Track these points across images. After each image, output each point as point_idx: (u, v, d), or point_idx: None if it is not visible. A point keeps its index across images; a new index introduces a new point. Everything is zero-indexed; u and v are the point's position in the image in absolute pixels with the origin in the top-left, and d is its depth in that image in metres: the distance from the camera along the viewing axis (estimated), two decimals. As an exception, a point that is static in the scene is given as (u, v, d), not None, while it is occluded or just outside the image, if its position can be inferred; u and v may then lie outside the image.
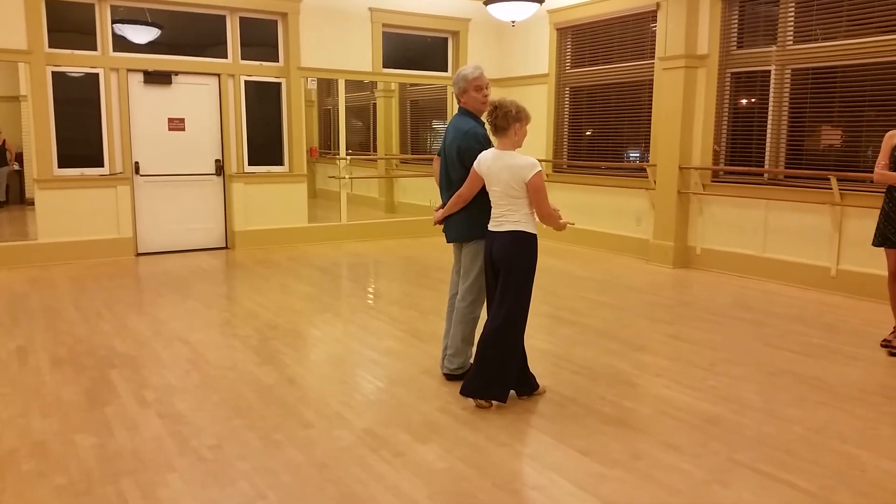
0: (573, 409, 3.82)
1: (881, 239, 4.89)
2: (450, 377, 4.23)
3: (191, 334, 5.20)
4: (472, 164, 3.88)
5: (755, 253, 7.28)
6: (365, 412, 3.80)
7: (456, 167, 4.05)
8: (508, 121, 3.70)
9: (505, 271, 3.73)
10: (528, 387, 3.96)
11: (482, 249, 3.96)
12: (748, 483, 3.01)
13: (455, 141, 4.03)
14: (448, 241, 4.28)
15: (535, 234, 3.77)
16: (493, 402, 3.83)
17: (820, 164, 6.84)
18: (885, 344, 4.95)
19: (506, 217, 3.74)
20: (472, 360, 4.16)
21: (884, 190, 4.97)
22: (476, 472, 3.12)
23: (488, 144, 3.94)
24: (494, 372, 3.75)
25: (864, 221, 6.37)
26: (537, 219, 3.81)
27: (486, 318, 3.88)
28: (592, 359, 4.68)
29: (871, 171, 6.37)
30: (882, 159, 4.82)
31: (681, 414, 3.76)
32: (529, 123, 3.83)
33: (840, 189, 6.47)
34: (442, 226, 4.25)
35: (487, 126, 3.92)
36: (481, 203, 3.94)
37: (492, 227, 3.81)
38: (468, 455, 3.27)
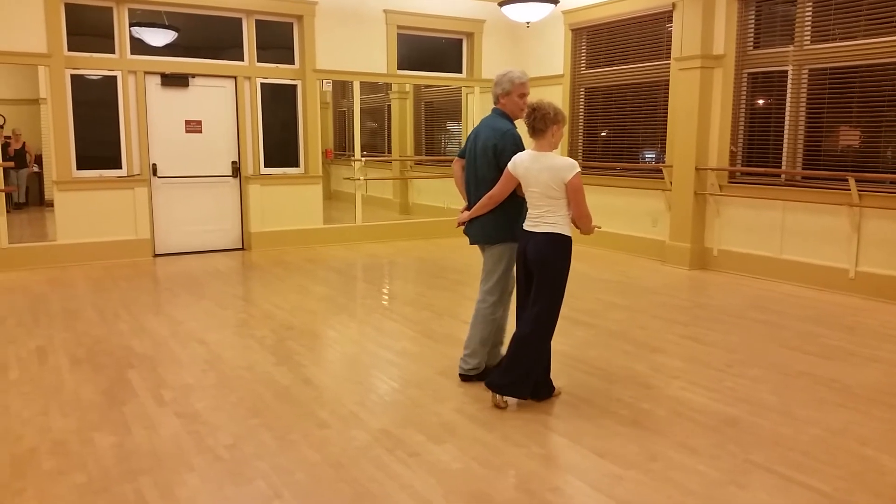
0: (588, 411, 3.81)
1: None
2: (465, 378, 4.23)
3: (207, 335, 5.24)
4: (506, 165, 3.89)
5: (772, 254, 7.23)
6: (380, 413, 3.81)
7: (490, 166, 4.03)
8: (546, 123, 3.73)
9: (540, 272, 3.75)
10: (546, 389, 3.95)
11: (507, 252, 4.01)
12: (764, 484, 3.00)
13: (491, 139, 4.02)
14: (472, 243, 4.26)
15: (570, 237, 3.78)
16: (508, 402, 3.84)
17: (838, 165, 6.78)
18: None
19: (543, 218, 3.75)
20: (486, 362, 4.20)
21: None
22: (491, 472, 3.12)
23: (522, 147, 3.95)
24: (523, 371, 3.78)
25: (884, 223, 6.31)
26: (571, 221, 3.83)
27: (509, 318, 3.86)
28: (608, 360, 4.67)
29: (891, 172, 6.34)
30: None
31: (697, 415, 3.74)
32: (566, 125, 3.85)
33: (858, 190, 6.41)
34: (462, 227, 4.24)
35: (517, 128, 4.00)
36: (507, 205, 3.96)
37: (528, 227, 3.82)
38: (483, 455, 3.27)
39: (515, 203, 3.96)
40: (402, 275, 7.90)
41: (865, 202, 6.41)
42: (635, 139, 8.81)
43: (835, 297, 6.48)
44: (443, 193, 11.05)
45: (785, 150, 7.16)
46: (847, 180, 6.46)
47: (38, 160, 12.36)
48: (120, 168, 8.22)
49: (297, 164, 9.25)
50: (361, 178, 9.72)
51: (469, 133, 4.28)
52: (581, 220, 3.79)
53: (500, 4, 8.25)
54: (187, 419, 3.68)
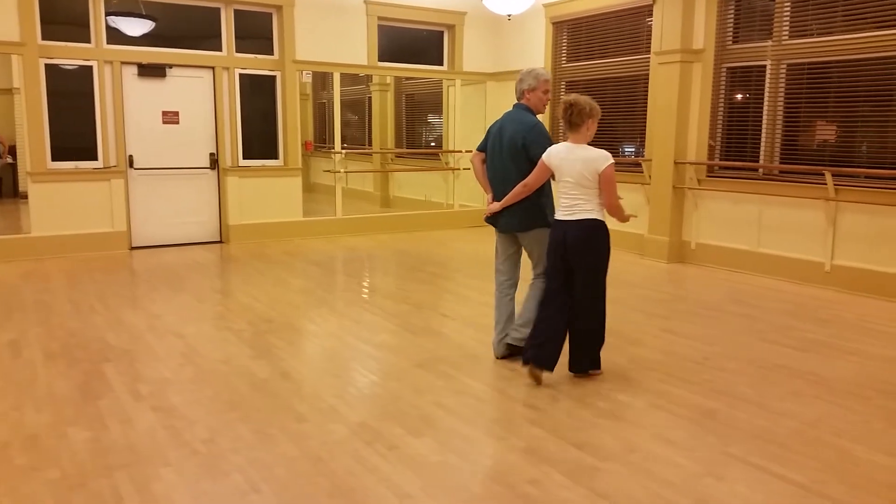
0: (568, 403, 3.82)
1: None
2: (513, 349, 4.39)
3: (185, 328, 5.19)
4: (538, 156, 4.08)
5: (750, 248, 7.29)
6: (359, 406, 3.80)
7: (519, 158, 4.22)
8: (583, 117, 3.98)
9: (582, 258, 3.97)
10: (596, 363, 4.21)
11: (542, 235, 4.22)
12: (742, 476, 3.02)
13: (520, 133, 4.22)
14: (503, 231, 4.42)
15: (605, 223, 4.00)
16: (543, 377, 4.03)
17: (815, 160, 6.85)
18: None
19: (578, 206, 3.95)
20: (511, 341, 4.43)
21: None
22: (470, 465, 3.12)
23: (550, 138, 4.24)
24: (584, 345, 4.11)
25: (859, 217, 6.39)
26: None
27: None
28: (587, 353, 4.68)
29: (867, 167, 6.42)
30: None
31: (675, 407, 3.77)
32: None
33: (835, 184, 6.48)
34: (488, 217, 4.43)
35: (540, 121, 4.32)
36: (539, 193, 4.20)
37: (562, 216, 4.01)
38: (462, 448, 3.27)
39: (544, 190, 4.23)
40: (381, 268, 7.87)
41: (841, 196, 6.48)
42: (615, 133, 8.84)
43: (811, 290, 6.55)
44: (423, 186, 11.04)
45: (763, 144, 7.22)
46: (823, 175, 6.53)
47: (12, 151, 12.15)
48: (96, 159, 8.11)
49: (276, 157, 9.18)
50: (341, 170, 9.67)
51: (490, 126, 4.48)
52: (611, 209, 4.01)
53: (481, -3, 8.22)
54: (164, 413, 3.64)
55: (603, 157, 3.89)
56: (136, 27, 8.34)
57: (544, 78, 4.35)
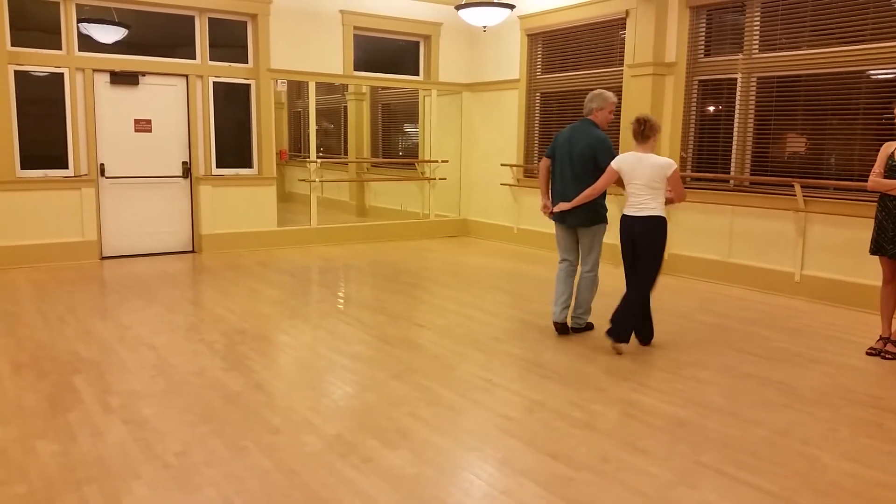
0: (542, 414, 3.84)
1: (875, 247, 4.93)
2: (577, 330, 5.40)
3: (156, 339, 5.13)
4: (605, 164, 4.93)
5: (721, 258, 7.39)
6: (333, 418, 3.78)
7: (588, 166, 5.09)
8: (653, 131, 4.80)
9: (647, 246, 4.85)
10: (650, 334, 5.09)
11: (601, 231, 5.30)
12: (713, 485, 3.06)
13: (591, 146, 5.09)
14: (569, 226, 5.34)
15: (665, 218, 4.84)
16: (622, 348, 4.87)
17: (784, 171, 6.97)
18: (873, 352, 4.95)
19: (645, 205, 4.80)
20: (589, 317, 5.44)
21: (875, 199, 5.01)
22: (445, 477, 3.12)
23: (614, 151, 5.09)
24: (638, 321, 4.98)
25: (828, 228, 6.51)
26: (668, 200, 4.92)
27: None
28: (561, 363, 4.71)
29: (835, 179, 6.55)
30: (877, 168, 4.85)
31: (647, 417, 3.80)
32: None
33: (804, 196, 6.60)
34: (551, 214, 5.35)
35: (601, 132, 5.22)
36: (601, 195, 5.14)
37: (631, 212, 4.86)
38: (437, 460, 3.27)
39: (603, 194, 5.16)
40: (357, 278, 7.85)
41: (811, 207, 6.60)
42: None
43: (781, 300, 6.65)
44: (399, 196, 11.04)
45: (734, 156, 7.33)
46: (793, 186, 6.64)
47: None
48: (66, 168, 8.00)
49: (250, 165, 9.12)
50: (317, 179, 9.63)
51: (556, 136, 5.36)
52: (681, 197, 4.97)
53: (457, 8, 8.27)
54: (135, 426, 3.59)
55: (669, 164, 4.76)
56: (108, 34, 8.26)
57: (612, 100, 5.24)
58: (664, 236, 4.85)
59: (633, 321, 4.93)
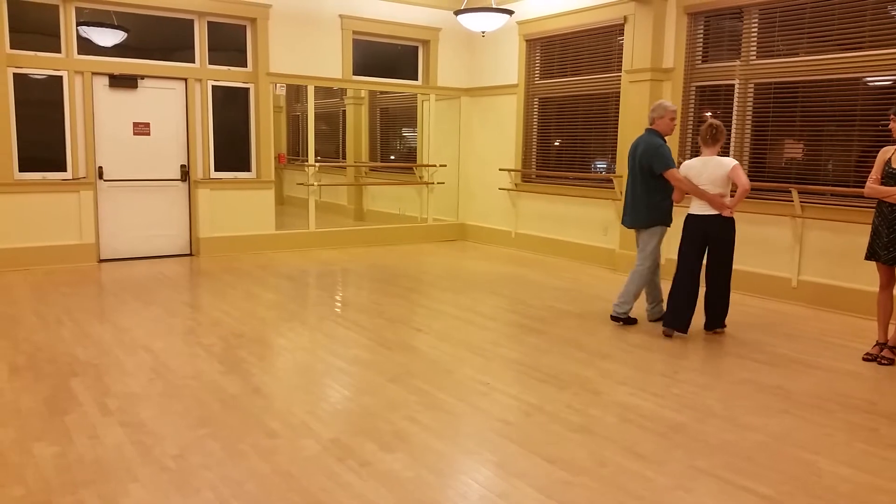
0: (539, 418, 3.84)
1: (870, 252, 4.96)
2: (616, 319, 5.76)
3: (154, 342, 5.13)
4: (660, 170, 5.46)
5: (718, 263, 7.39)
6: (331, 421, 3.78)
7: (645, 171, 5.54)
8: (721, 136, 5.32)
9: (722, 243, 5.35)
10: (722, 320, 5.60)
11: (659, 231, 5.65)
12: (710, 489, 3.06)
13: (647, 153, 5.52)
14: (628, 228, 5.87)
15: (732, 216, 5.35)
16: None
17: (781, 177, 7.00)
18: (869, 357, 4.96)
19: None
20: (654, 315, 5.88)
21: (872, 205, 5.03)
22: (443, 480, 3.12)
23: (669, 155, 5.51)
24: (718, 307, 5.53)
25: (824, 233, 6.53)
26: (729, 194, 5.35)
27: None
28: (559, 367, 4.72)
29: (832, 185, 6.57)
30: (874, 174, 4.87)
31: (645, 421, 3.81)
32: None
33: (801, 201, 6.62)
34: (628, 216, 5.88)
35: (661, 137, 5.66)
36: (663, 196, 5.57)
37: (698, 211, 5.35)
38: (435, 464, 3.27)
39: (668, 196, 5.58)
40: (355, 282, 7.86)
41: (808, 213, 6.62)
42: (587, 149, 8.94)
43: (778, 306, 6.67)
44: (397, 200, 11.05)
45: (731, 161, 7.34)
46: (790, 192, 6.66)
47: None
48: (65, 170, 8.00)
49: (248, 169, 9.13)
50: (315, 183, 9.65)
51: (630, 146, 5.78)
52: (746, 189, 5.20)
53: (457, 13, 8.29)
54: (132, 429, 3.59)
55: (730, 161, 5.27)
56: (107, 37, 8.27)
57: (671, 109, 5.61)
58: (734, 232, 5.40)
59: (725, 304, 5.51)
